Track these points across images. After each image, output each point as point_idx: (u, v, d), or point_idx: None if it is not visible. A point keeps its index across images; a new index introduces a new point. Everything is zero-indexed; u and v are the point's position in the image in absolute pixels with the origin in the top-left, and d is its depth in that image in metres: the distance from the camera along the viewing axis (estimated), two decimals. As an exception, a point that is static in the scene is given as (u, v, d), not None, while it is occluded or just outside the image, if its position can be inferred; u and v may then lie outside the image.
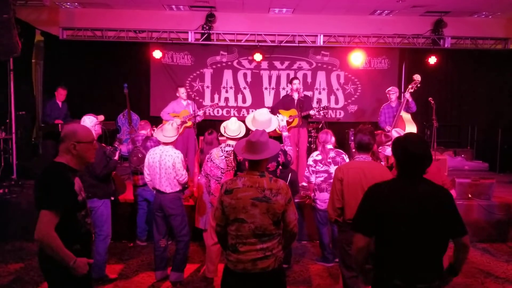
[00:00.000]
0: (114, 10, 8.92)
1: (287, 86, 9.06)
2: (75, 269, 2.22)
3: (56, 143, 6.45)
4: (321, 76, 9.34)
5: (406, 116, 6.51)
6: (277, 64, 9.27)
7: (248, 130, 4.07)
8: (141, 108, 8.94)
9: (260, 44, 8.91)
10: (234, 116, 6.23)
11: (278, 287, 2.60)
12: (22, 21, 7.08)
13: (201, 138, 6.07)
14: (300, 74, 9.21)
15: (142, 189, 5.27)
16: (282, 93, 8.98)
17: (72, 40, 8.92)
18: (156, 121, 6.85)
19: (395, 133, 5.68)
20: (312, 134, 7.83)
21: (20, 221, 5.42)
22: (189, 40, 9.07)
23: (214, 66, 9.25)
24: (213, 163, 4.09)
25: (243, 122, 4.30)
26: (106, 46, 8.91)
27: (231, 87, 9.30)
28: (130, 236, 5.53)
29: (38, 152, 8.18)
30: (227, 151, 4.08)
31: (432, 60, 8.79)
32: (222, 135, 4.41)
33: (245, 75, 9.29)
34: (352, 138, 5.01)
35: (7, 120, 6.65)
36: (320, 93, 9.34)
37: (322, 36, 9.14)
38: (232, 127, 4.21)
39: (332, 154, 4.67)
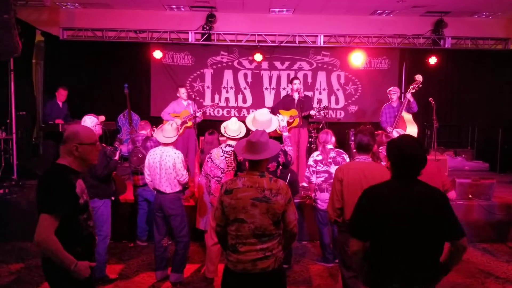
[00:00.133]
0: (115, 10, 8.93)
1: (287, 86, 9.06)
2: (76, 273, 2.19)
3: (56, 143, 6.49)
4: (321, 76, 9.35)
5: (407, 116, 6.52)
6: (277, 64, 9.27)
7: (248, 130, 4.07)
8: (141, 108, 8.94)
9: (260, 44, 8.92)
10: (235, 116, 6.24)
11: (278, 287, 2.60)
12: (22, 21, 7.08)
13: (202, 138, 6.08)
14: (300, 74, 9.21)
15: (142, 189, 5.27)
16: (283, 93, 8.98)
17: (73, 40, 8.92)
18: (157, 121, 6.86)
19: (396, 134, 5.68)
20: (313, 134, 7.84)
21: (20, 221, 5.41)
22: (190, 40, 9.08)
23: (214, 66, 9.25)
24: (213, 163, 4.09)
25: (244, 122, 4.30)
26: (107, 46, 8.92)
27: (231, 87, 9.30)
28: (131, 236, 5.53)
29: (38, 152, 8.20)
30: (227, 151, 4.08)
31: (433, 60, 8.79)
32: (222, 135, 4.42)
33: (245, 75, 9.30)
34: (353, 138, 5.04)
35: (8, 120, 6.65)
36: (320, 93, 9.34)
37: (322, 36, 9.14)
38: (233, 127, 4.21)
39: (332, 154, 4.67)
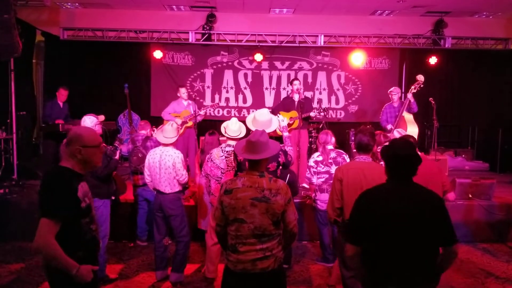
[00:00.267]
0: (115, 10, 8.93)
1: (287, 86, 9.06)
2: (78, 277, 2.13)
3: (56, 143, 6.50)
4: (321, 76, 9.35)
5: (408, 116, 6.52)
6: (277, 64, 9.27)
7: (248, 130, 4.07)
8: (141, 108, 8.95)
9: (260, 44, 8.92)
10: (235, 116, 6.25)
11: (278, 287, 2.60)
12: (22, 21, 7.09)
13: (202, 138, 6.07)
14: (300, 74, 9.22)
15: (142, 189, 5.27)
16: (283, 93, 8.99)
17: (73, 40, 8.93)
18: (157, 121, 6.86)
19: (397, 134, 5.67)
20: (313, 134, 7.84)
21: (21, 221, 5.42)
22: (190, 40, 9.08)
23: (214, 66, 9.25)
24: (214, 163, 4.09)
25: (244, 122, 4.30)
26: (107, 46, 8.92)
27: (231, 87, 9.30)
28: (131, 236, 5.53)
29: (38, 152, 8.21)
30: (227, 151, 4.08)
31: (433, 60, 8.79)
32: (222, 136, 4.42)
33: (245, 75, 9.30)
34: (353, 138, 5.04)
35: (8, 120, 6.66)
36: (320, 93, 9.34)
37: (322, 36, 9.15)
38: (233, 128, 4.21)
39: (333, 154, 4.67)
